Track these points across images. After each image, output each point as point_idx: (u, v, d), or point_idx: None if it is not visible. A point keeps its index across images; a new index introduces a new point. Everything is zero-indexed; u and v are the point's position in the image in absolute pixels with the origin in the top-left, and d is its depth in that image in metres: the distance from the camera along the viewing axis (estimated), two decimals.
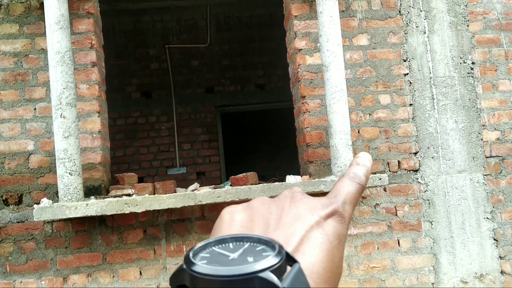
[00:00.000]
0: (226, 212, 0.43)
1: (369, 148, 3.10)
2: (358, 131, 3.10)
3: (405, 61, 3.23)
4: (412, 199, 3.12)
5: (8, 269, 2.80)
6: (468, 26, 3.32)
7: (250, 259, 0.32)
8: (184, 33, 6.55)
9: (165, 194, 2.60)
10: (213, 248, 0.35)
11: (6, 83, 2.91)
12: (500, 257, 3.14)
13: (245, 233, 0.39)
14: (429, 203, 3.12)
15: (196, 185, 3.00)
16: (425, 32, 3.28)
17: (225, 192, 2.53)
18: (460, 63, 3.28)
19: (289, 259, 0.34)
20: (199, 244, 0.35)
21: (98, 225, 2.86)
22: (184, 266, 0.33)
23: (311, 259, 0.37)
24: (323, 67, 2.76)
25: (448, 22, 3.31)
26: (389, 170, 3.12)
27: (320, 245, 0.38)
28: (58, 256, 2.82)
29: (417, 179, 3.13)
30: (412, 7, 3.28)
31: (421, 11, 3.29)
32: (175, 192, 2.87)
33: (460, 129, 3.21)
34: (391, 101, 3.17)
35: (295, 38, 3.12)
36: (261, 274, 0.30)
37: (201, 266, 0.32)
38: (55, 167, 2.83)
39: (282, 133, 8.57)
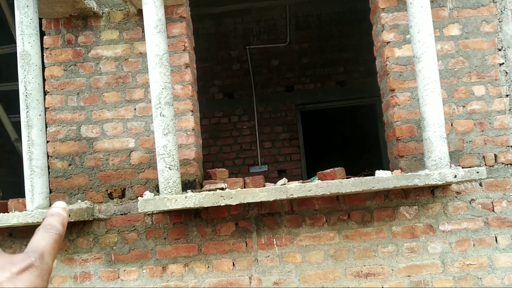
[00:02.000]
0: None
1: (463, 142, 2.99)
2: (452, 124, 3.00)
3: (500, 50, 3.08)
4: (511, 194, 2.96)
5: (113, 258, 3.02)
6: None
7: None
8: (264, 33, 6.66)
9: (256, 188, 2.68)
10: None
11: (109, 85, 3.15)
12: None
13: None
14: None
15: (284, 180, 3.05)
16: None
17: (316, 186, 2.56)
18: None
19: None
20: None
21: (194, 217, 3.01)
22: None
23: None
24: (414, 59, 2.71)
25: None
26: (485, 164, 2.98)
27: None
28: (157, 246, 3.00)
29: None
30: None
31: None
32: (265, 186, 2.94)
33: None
34: (485, 92, 3.04)
35: (382, 31, 3.09)
36: None
37: None
38: (154, 163, 3.02)
39: (363, 130, 8.43)
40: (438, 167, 2.58)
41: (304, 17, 6.66)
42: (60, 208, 0.51)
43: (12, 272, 0.40)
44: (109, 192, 3.08)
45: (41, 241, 0.45)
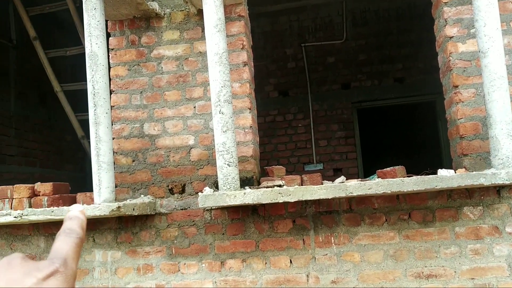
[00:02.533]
0: None
1: None
2: None
3: None
4: None
5: (173, 251, 3.11)
6: None
7: None
8: (320, 30, 6.62)
9: (314, 185, 2.67)
10: None
11: (170, 84, 3.24)
12: None
13: None
14: None
15: (342, 178, 3.03)
16: None
17: (377, 184, 2.52)
18: None
19: None
20: None
21: (251, 214, 3.04)
22: None
23: None
24: (480, 54, 2.61)
25: None
26: None
27: None
28: (216, 241, 3.06)
29: None
30: None
31: None
32: (322, 184, 2.93)
33: None
34: None
35: (445, 26, 2.99)
36: None
37: None
38: (213, 159, 3.09)
39: (422, 128, 8.19)
40: (505, 166, 2.47)
41: (361, 13, 6.55)
42: (78, 211, 0.52)
43: (38, 278, 0.41)
44: (170, 188, 3.17)
45: (64, 246, 0.46)
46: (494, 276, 2.80)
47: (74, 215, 0.51)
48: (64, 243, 0.46)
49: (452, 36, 2.98)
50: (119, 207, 2.77)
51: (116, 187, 3.20)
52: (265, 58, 6.72)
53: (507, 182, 2.42)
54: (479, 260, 2.82)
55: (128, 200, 3.06)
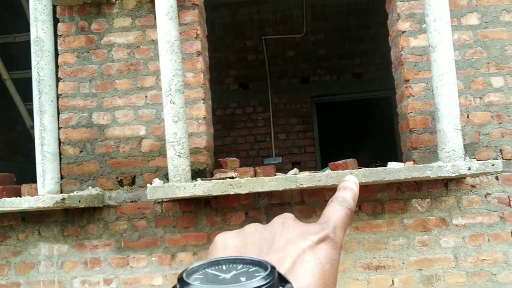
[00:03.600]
0: (219, 238, 0.44)
1: (479, 134, 2.92)
2: (468, 116, 2.93)
3: None
4: None
5: (122, 244, 3.03)
6: None
7: (243, 279, 0.33)
8: (280, 23, 6.60)
9: (265, 177, 2.65)
10: (207, 269, 0.35)
11: (120, 72, 3.14)
12: None
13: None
14: None
15: (296, 170, 3.02)
16: None
17: (326, 176, 2.52)
18: None
19: (282, 280, 0.34)
20: (193, 265, 0.36)
21: (203, 206, 3.00)
22: (178, 286, 0.33)
23: (303, 282, 0.37)
24: (430, 48, 2.64)
25: None
26: (502, 158, 2.91)
27: (313, 268, 0.38)
28: (167, 234, 3.00)
29: None
30: None
31: None
32: (275, 176, 2.91)
33: None
34: (504, 83, 2.95)
35: (398, 20, 3.02)
36: None
37: (195, 285, 0.33)
38: (164, 151, 3.02)
39: (379, 123, 8.33)
40: (451, 159, 2.52)
41: (321, 8, 6.58)
42: (353, 182, 0.51)
43: (312, 241, 0.41)
44: (119, 180, 3.08)
45: (334, 213, 0.46)
46: (441, 267, 2.86)
47: (349, 186, 0.50)
48: (335, 211, 0.46)
49: (405, 31, 3.01)
50: (63, 199, 2.67)
51: (62, 178, 3.08)
52: (225, 49, 6.66)
53: (453, 175, 2.47)
54: (427, 252, 2.87)
55: (74, 192, 2.96)
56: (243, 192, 2.53)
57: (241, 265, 0.36)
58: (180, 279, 0.34)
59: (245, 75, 6.67)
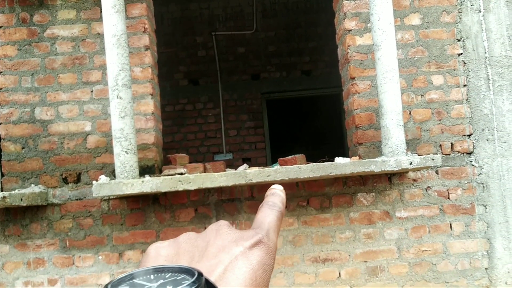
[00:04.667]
0: (152, 248, 0.45)
1: (420, 130, 3.04)
2: (410, 113, 3.05)
3: (459, 40, 3.14)
4: (466, 182, 3.04)
5: (67, 244, 2.94)
6: None
7: (169, 287, 0.33)
8: (230, 20, 6.59)
9: (214, 173, 2.65)
10: (134, 280, 0.35)
11: (65, 66, 3.04)
12: None
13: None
14: (483, 186, 3.04)
15: (245, 166, 3.04)
16: (480, 11, 3.17)
17: (275, 171, 2.55)
18: None
19: (210, 287, 0.34)
20: (119, 276, 0.36)
21: (152, 203, 2.96)
22: None
23: None
24: (374, 47, 2.72)
25: (504, 0, 3.18)
26: (442, 153, 3.05)
27: (244, 274, 0.39)
28: (114, 232, 2.94)
29: (471, 161, 3.05)
30: None
31: None
32: (226, 172, 2.92)
33: None
34: (444, 82, 3.09)
35: (344, 19, 3.09)
36: None
37: None
38: (111, 147, 2.95)
39: (328, 120, 8.50)
40: (394, 154, 2.61)
41: (271, 5, 6.62)
42: (279, 190, 0.53)
43: (244, 247, 0.40)
44: (64, 177, 2.99)
45: (266, 217, 0.46)
46: (385, 258, 2.97)
47: (277, 192, 0.52)
48: (266, 215, 0.47)
49: (351, 30, 3.09)
50: (4, 197, 2.55)
51: (3, 176, 2.95)
52: (175, 45, 6.57)
53: (396, 169, 2.56)
54: (372, 244, 2.97)
55: (16, 190, 2.84)
56: (192, 188, 2.52)
57: (169, 274, 0.36)
58: None
59: (195, 71, 6.62)
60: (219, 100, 6.56)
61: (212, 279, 0.37)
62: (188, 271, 0.35)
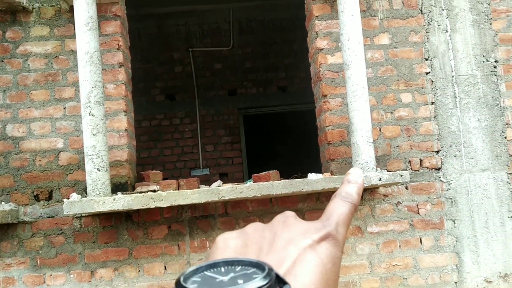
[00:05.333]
0: (220, 239, 0.44)
1: (390, 147, 3.11)
2: (380, 130, 3.12)
3: (426, 59, 3.24)
4: (435, 197, 3.11)
5: (38, 262, 2.90)
6: (491, 24, 3.30)
7: (240, 281, 0.33)
8: (207, 36, 6.65)
9: (188, 190, 2.66)
10: (205, 272, 0.35)
11: (37, 83, 3.03)
12: None
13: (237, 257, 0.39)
14: (452, 201, 3.12)
15: (219, 182, 3.05)
16: (447, 31, 3.28)
17: (248, 187, 2.58)
18: (483, 62, 3.27)
19: (280, 282, 0.34)
20: (191, 269, 0.36)
21: (125, 220, 2.94)
22: None
23: (304, 282, 0.37)
24: (344, 66, 2.79)
25: (470, 21, 3.30)
26: (411, 169, 3.12)
27: (314, 268, 0.38)
28: (86, 250, 2.91)
29: (440, 177, 3.13)
30: (434, 6, 3.28)
31: (443, 9, 3.29)
32: (199, 188, 2.93)
33: (483, 127, 3.20)
34: (412, 99, 3.18)
35: (316, 38, 3.17)
36: None
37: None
38: (84, 164, 2.93)
39: (304, 135, 8.59)
40: (364, 170, 2.67)
41: (248, 22, 6.71)
42: (358, 175, 0.48)
43: (313, 239, 0.39)
44: (35, 194, 2.96)
45: (337, 209, 0.44)
46: (357, 273, 3.01)
47: (354, 179, 0.48)
48: (338, 207, 0.44)
49: (322, 48, 3.16)
50: None
51: None
52: (152, 60, 6.59)
53: (366, 185, 2.62)
54: (344, 259, 3.00)
55: None
56: (165, 206, 2.53)
57: (239, 267, 0.35)
58: (177, 282, 0.34)
59: (172, 86, 6.63)
60: (196, 115, 6.58)
61: (281, 272, 0.36)
62: (259, 265, 0.35)
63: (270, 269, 0.34)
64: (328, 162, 3.11)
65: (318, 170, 3.30)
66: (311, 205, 3.02)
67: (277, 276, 0.34)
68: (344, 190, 0.47)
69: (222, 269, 0.36)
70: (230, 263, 0.36)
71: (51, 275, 2.90)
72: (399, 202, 3.08)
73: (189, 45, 6.61)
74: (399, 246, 3.06)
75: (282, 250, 0.40)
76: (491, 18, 3.31)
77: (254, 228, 0.45)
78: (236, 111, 6.67)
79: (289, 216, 0.45)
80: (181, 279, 0.34)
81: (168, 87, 6.63)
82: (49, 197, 2.96)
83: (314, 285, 0.37)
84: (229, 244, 0.43)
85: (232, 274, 0.34)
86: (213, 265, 0.36)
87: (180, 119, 6.60)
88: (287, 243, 0.40)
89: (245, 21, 6.69)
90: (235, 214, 3.00)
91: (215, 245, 0.43)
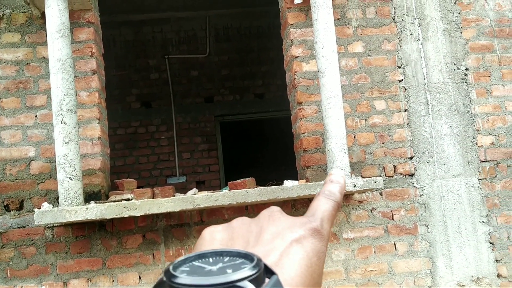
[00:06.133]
0: (207, 231, 0.44)
1: (365, 153, 3.15)
2: (354, 136, 3.15)
3: (399, 67, 3.29)
4: (408, 203, 3.15)
5: (9, 274, 2.83)
6: (461, 33, 3.38)
7: (229, 270, 0.33)
8: (183, 43, 6.63)
9: (163, 198, 2.64)
10: (193, 262, 0.36)
11: (8, 91, 2.97)
12: (496, 260, 3.17)
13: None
14: (425, 207, 3.16)
15: (195, 190, 3.03)
16: (419, 39, 3.34)
17: (223, 195, 2.57)
18: (454, 69, 3.34)
19: (268, 272, 0.34)
20: (179, 259, 0.36)
21: (98, 230, 2.89)
22: (164, 279, 0.33)
23: (290, 274, 0.37)
24: (319, 73, 2.82)
25: (441, 29, 3.37)
26: (385, 175, 3.15)
27: (299, 260, 0.39)
28: (58, 261, 2.85)
29: (413, 183, 3.17)
30: (406, 15, 3.34)
31: (415, 18, 3.35)
32: (174, 196, 2.90)
33: (454, 134, 3.26)
34: (386, 107, 3.22)
35: (291, 46, 3.19)
36: (239, 284, 0.32)
37: (181, 277, 0.33)
38: (56, 173, 2.88)
39: (281, 142, 8.61)
40: None
41: (224, 30, 6.72)
42: (340, 176, 0.50)
43: (299, 234, 0.40)
44: (5, 204, 2.89)
45: (321, 206, 0.45)
46: (332, 279, 3.02)
47: (336, 179, 0.49)
48: (322, 204, 0.45)
49: (297, 56, 3.18)
50: None
51: None
52: (128, 67, 6.53)
53: None
54: None
55: None
56: (138, 215, 2.49)
57: (227, 258, 0.36)
58: (166, 271, 0.34)
59: (148, 93, 6.58)
60: (172, 122, 6.54)
61: (267, 264, 0.36)
62: (247, 256, 0.35)
63: (259, 260, 0.34)
64: (303, 169, 3.12)
65: (295, 177, 3.31)
66: (287, 212, 3.01)
67: (265, 266, 0.35)
68: (327, 189, 0.48)
69: (211, 259, 0.36)
70: (219, 254, 0.36)
71: (22, 287, 2.82)
72: (374, 208, 3.11)
73: (165, 52, 6.58)
74: (374, 252, 3.08)
75: (268, 243, 0.40)
76: (461, 27, 3.38)
77: (240, 222, 0.45)
78: (213, 118, 6.65)
79: (275, 210, 0.46)
80: (170, 268, 0.34)
81: (144, 94, 6.58)
82: (20, 207, 2.89)
83: (299, 277, 0.38)
84: (215, 237, 0.43)
85: (220, 264, 0.34)
86: (202, 256, 0.36)
87: (156, 127, 6.55)
88: (273, 236, 0.41)
89: (221, 29, 6.69)
90: (211, 222, 2.98)
91: (202, 238, 0.44)
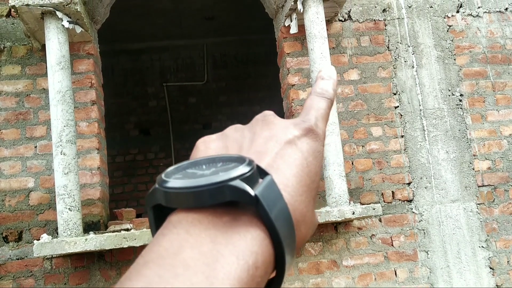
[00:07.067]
0: (200, 141, 0.44)
1: (363, 179, 3.16)
2: (352, 163, 3.17)
3: (395, 94, 3.33)
4: (407, 229, 3.15)
5: None
6: (455, 59, 3.44)
7: (222, 173, 0.33)
8: (181, 71, 6.70)
9: None
10: (186, 170, 0.35)
11: (8, 122, 2.99)
12: (496, 285, 3.15)
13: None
14: (424, 232, 3.16)
15: None
16: (413, 67, 3.40)
17: None
18: (449, 95, 3.38)
19: (262, 173, 0.34)
20: (172, 167, 0.35)
21: (97, 260, 2.88)
22: (157, 186, 0.33)
23: (285, 174, 0.37)
24: None
25: (435, 57, 3.43)
26: (384, 201, 3.17)
27: (294, 161, 0.38)
28: None
29: (412, 209, 3.18)
30: (400, 43, 3.41)
31: (409, 46, 3.41)
32: None
33: (451, 159, 3.29)
34: (383, 133, 3.25)
35: (288, 74, 3.24)
36: (232, 183, 0.31)
37: (173, 181, 0.32)
38: (55, 203, 2.88)
39: None
40: (338, 204, 2.70)
41: (222, 57, 6.80)
42: (331, 71, 0.47)
43: (294, 135, 0.39)
44: (4, 235, 2.88)
45: (314, 105, 0.43)
46: None
47: (328, 75, 0.46)
48: (315, 103, 0.44)
49: (294, 84, 3.23)
50: None
51: None
52: (126, 95, 6.59)
53: (339, 219, 2.64)
54: None
55: None
56: (138, 245, 2.49)
57: (220, 163, 0.35)
58: (159, 178, 0.33)
59: (146, 120, 6.63)
60: (170, 149, 6.56)
61: (262, 165, 0.36)
62: (239, 159, 0.34)
63: (251, 161, 0.34)
64: None
65: None
66: None
67: (259, 168, 0.34)
68: (319, 87, 0.46)
69: (204, 166, 0.35)
70: (212, 160, 0.36)
71: None
72: (373, 235, 3.11)
73: (163, 79, 6.65)
74: (375, 279, 3.07)
75: (262, 146, 0.39)
76: (455, 54, 3.45)
77: (234, 129, 0.44)
78: None
79: (268, 114, 0.44)
80: (163, 175, 0.34)
81: (142, 122, 6.62)
82: (19, 238, 2.88)
83: (295, 177, 0.37)
84: (209, 146, 0.42)
85: (213, 169, 0.34)
86: (195, 163, 0.36)
87: (154, 154, 6.57)
88: (267, 139, 0.40)
89: (219, 56, 6.78)
90: None
91: (196, 148, 0.43)
